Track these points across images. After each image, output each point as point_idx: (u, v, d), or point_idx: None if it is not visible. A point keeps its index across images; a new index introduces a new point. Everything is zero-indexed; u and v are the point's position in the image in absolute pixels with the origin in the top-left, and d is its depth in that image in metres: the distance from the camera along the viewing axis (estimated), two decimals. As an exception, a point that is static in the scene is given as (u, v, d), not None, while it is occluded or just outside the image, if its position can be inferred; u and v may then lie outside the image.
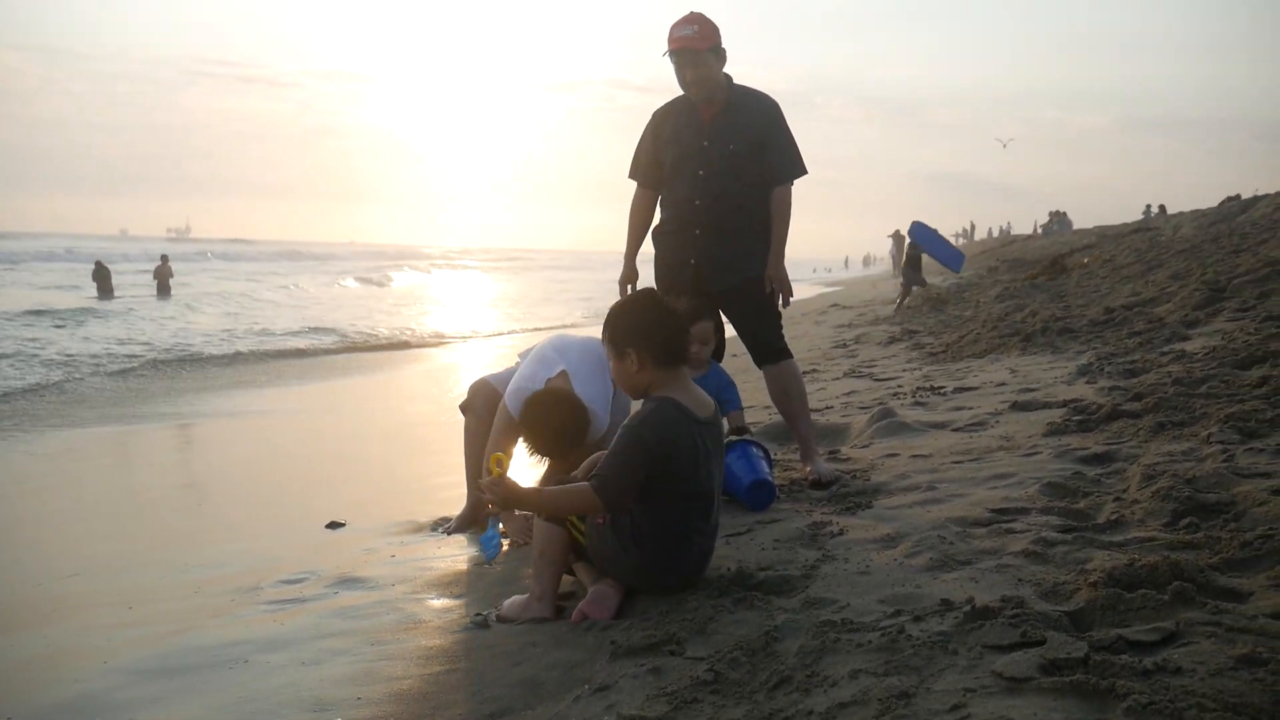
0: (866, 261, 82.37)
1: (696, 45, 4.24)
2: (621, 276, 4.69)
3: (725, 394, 4.34)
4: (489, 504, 3.04)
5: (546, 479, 4.00)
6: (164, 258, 28.69)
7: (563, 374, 4.02)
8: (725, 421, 4.35)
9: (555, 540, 3.09)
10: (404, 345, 16.70)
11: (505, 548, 3.91)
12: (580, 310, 25.62)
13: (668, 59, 4.30)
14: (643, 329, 2.99)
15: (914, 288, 17.30)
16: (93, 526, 5.05)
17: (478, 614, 3.19)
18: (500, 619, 3.14)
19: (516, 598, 3.20)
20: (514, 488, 2.93)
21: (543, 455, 3.93)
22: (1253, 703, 1.78)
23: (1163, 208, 33.60)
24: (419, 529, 4.50)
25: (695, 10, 4.31)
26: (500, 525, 3.98)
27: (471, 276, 60.00)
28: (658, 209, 4.60)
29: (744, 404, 6.01)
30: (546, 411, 3.73)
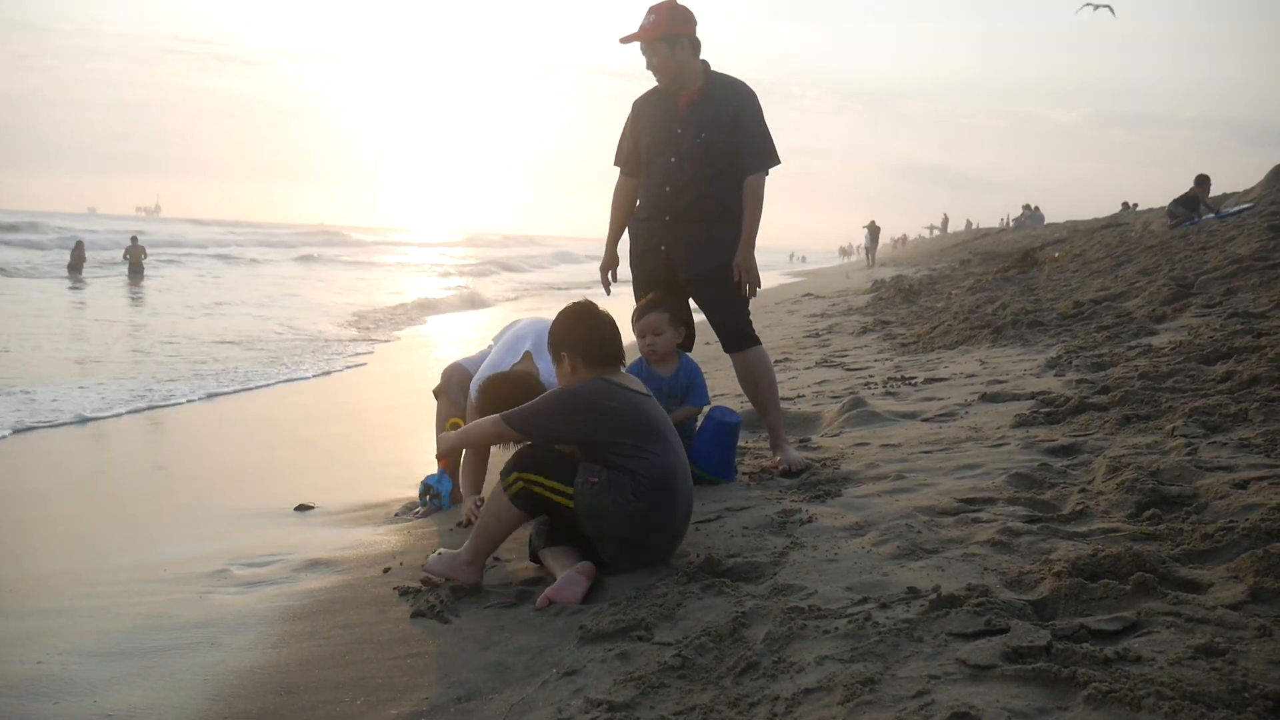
0: (845, 252, 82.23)
1: (644, 36, 4.28)
2: (602, 263, 4.70)
3: (693, 394, 4.43)
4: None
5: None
6: (134, 238, 27.93)
7: (527, 355, 4.06)
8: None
9: (503, 519, 3.19)
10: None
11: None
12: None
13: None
14: (574, 336, 3.31)
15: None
16: (59, 507, 4.99)
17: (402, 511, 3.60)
18: (426, 568, 3.29)
19: (446, 553, 3.31)
20: (446, 437, 3.57)
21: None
22: (1210, 691, 1.82)
23: (1134, 205, 33.94)
24: (388, 512, 4.48)
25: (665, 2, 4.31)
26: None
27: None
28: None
29: (719, 391, 6.03)
30: (502, 394, 3.76)
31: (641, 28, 4.29)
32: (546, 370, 3.92)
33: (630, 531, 3.10)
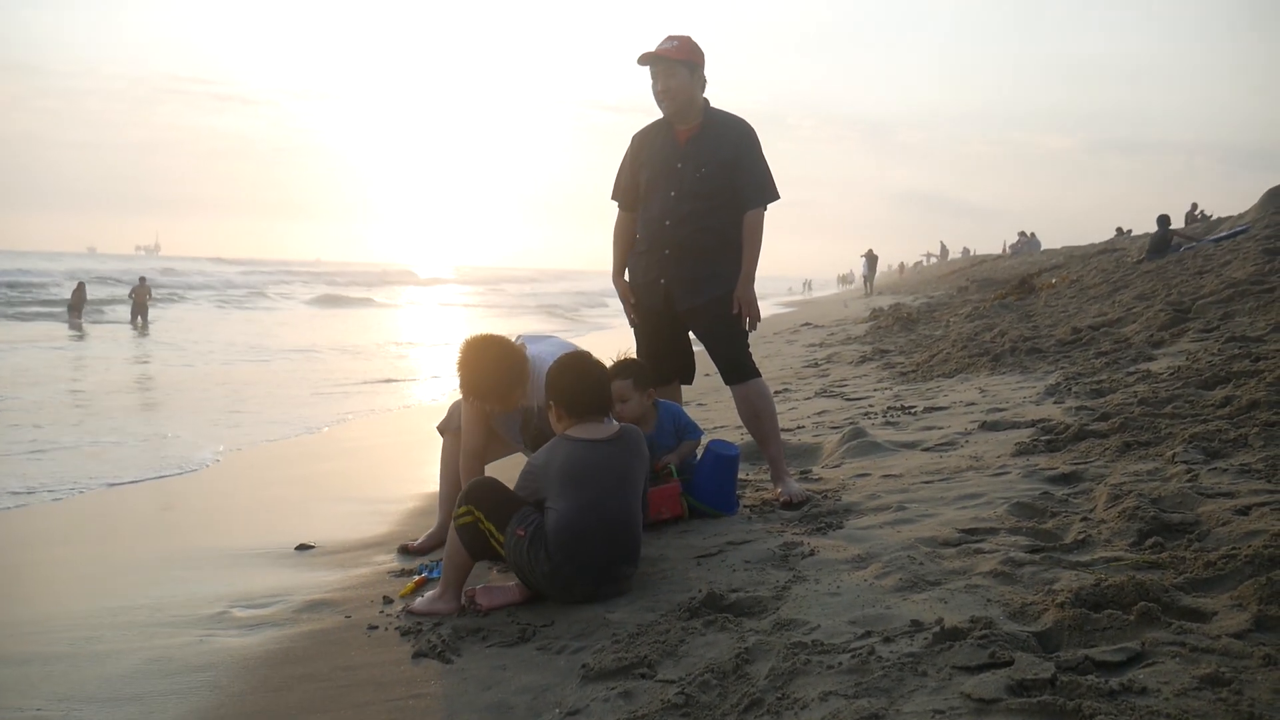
0: (843, 280, 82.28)
1: (670, 55, 4.34)
2: (620, 295, 4.73)
3: (686, 433, 4.44)
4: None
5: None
6: (141, 279, 26.47)
7: (521, 343, 4.10)
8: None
9: (459, 548, 3.42)
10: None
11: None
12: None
13: (647, 73, 4.38)
14: (559, 387, 3.51)
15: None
16: (58, 550, 4.97)
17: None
18: (411, 612, 3.41)
19: (429, 593, 3.53)
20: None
21: (477, 395, 3.93)
22: (1216, 722, 1.81)
23: (1129, 231, 34.07)
24: (389, 551, 4.46)
25: (685, 35, 4.43)
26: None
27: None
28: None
29: (718, 423, 6.02)
30: (481, 348, 3.87)
31: (663, 49, 4.36)
32: (534, 353, 3.99)
33: (550, 589, 3.30)
